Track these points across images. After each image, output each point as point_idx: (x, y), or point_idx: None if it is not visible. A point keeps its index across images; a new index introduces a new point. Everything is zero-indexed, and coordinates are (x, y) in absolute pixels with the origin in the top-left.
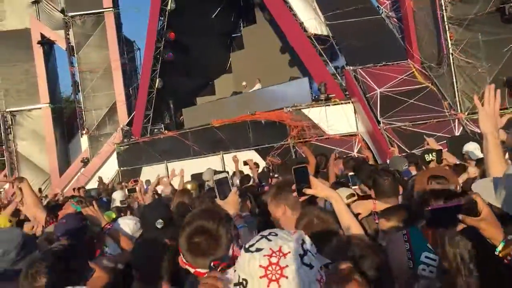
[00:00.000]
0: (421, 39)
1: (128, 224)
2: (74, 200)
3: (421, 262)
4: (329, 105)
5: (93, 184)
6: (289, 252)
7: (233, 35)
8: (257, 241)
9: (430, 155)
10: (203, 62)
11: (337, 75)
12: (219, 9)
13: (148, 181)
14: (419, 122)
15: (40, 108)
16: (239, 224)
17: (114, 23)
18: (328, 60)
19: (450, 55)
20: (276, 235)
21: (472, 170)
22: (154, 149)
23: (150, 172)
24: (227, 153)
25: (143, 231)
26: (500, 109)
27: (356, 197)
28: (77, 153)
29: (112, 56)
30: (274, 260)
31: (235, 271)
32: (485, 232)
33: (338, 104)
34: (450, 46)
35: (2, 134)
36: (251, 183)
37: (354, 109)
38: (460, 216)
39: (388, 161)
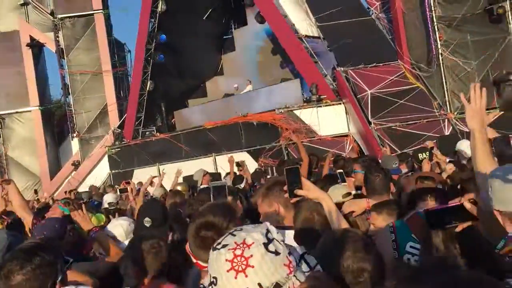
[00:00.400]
0: (411, 40)
1: (122, 225)
2: (62, 202)
3: (406, 252)
4: (320, 106)
5: (84, 188)
6: (253, 243)
7: (224, 37)
8: (223, 238)
9: (423, 154)
10: (195, 64)
11: (328, 76)
12: (210, 10)
13: (140, 183)
14: (410, 122)
15: (30, 111)
16: None
17: (104, 25)
18: (319, 61)
19: (440, 56)
20: (241, 229)
21: (449, 167)
22: (146, 152)
23: (142, 175)
24: (219, 155)
25: (134, 230)
26: (488, 109)
27: (352, 196)
28: (68, 156)
29: (103, 58)
30: (238, 252)
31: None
32: (486, 229)
33: (329, 105)
34: (439, 46)
35: None
36: (244, 183)
37: (346, 110)
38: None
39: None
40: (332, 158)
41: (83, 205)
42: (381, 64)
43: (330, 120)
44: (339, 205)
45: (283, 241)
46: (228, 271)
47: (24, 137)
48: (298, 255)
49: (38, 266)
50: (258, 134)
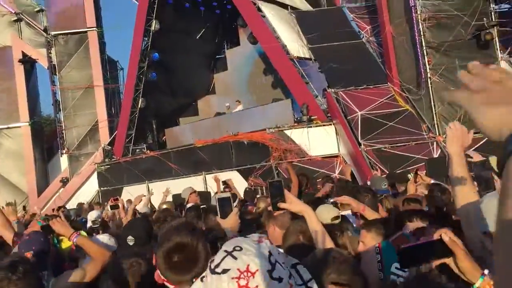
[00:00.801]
0: (401, 64)
1: (102, 239)
2: (41, 219)
3: (391, 272)
4: (311, 127)
5: (72, 205)
6: (257, 271)
7: (217, 56)
8: (222, 259)
9: (410, 174)
10: (187, 82)
11: (319, 97)
12: (203, 30)
13: (129, 201)
14: (399, 144)
15: (19, 127)
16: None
17: (98, 43)
18: (310, 83)
19: (428, 79)
20: (241, 249)
21: (411, 188)
22: (136, 169)
23: (131, 192)
24: (209, 173)
25: (117, 248)
26: (476, 132)
27: (339, 220)
28: (57, 172)
29: (95, 76)
30: (243, 282)
31: (201, 280)
32: (461, 268)
33: (320, 125)
34: (428, 70)
35: None
36: (237, 201)
37: (336, 131)
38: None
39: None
40: (325, 183)
41: (60, 213)
42: (371, 86)
43: (321, 141)
44: (326, 227)
45: (284, 263)
46: None
47: (13, 152)
48: (290, 265)
49: (23, 278)
50: (248, 153)
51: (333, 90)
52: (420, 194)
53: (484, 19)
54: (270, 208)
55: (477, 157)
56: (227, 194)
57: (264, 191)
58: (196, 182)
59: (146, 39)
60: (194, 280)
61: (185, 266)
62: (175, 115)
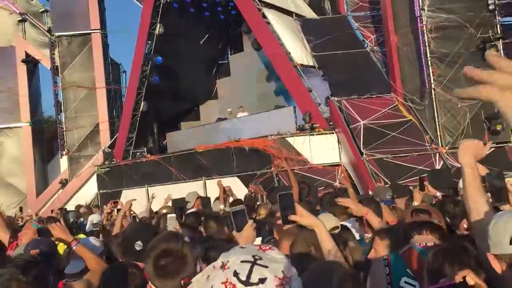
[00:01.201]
0: (405, 74)
1: (91, 240)
2: (35, 220)
3: (400, 287)
4: (313, 135)
5: (71, 207)
6: (292, 275)
7: (220, 62)
8: (250, 271)
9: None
10: (189, 87)
11: (321, 105)
12: (207, 35)
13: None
14: (401, 154)
15: (20, 127)
16: None
17: (101, 45)
18: (313, 91)
19: (432, 90)
20: (261, 258)
21: (417, 196)
22: (136, 173)
23: (130, 196)
24: (210, 179)
25: (122, 253)
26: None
27: (339, 229)
28: (56, 174)
29: (98, 78)
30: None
31: None
32: None
33: (322, 134)
34: (432, 81)
35: None
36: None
37: (338, 140)
38: None
39: (370, 192)
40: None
41: (61, 219)
42: (374, 96)
43: (322, 149)
44: None
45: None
46: None
47: (12, 153)
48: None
49: (32, 283)
50: (249, 160)
51: (336, 98)
52: (430, 206)
53: (490, 31)
54: (279, 222)
55: (482, 170)
56: (241, 207)
57: (265, 199)
58: (196, 188)
59: (149, 42)
60: (182, 282)
61: (172, 269)
62: (176, 119)
